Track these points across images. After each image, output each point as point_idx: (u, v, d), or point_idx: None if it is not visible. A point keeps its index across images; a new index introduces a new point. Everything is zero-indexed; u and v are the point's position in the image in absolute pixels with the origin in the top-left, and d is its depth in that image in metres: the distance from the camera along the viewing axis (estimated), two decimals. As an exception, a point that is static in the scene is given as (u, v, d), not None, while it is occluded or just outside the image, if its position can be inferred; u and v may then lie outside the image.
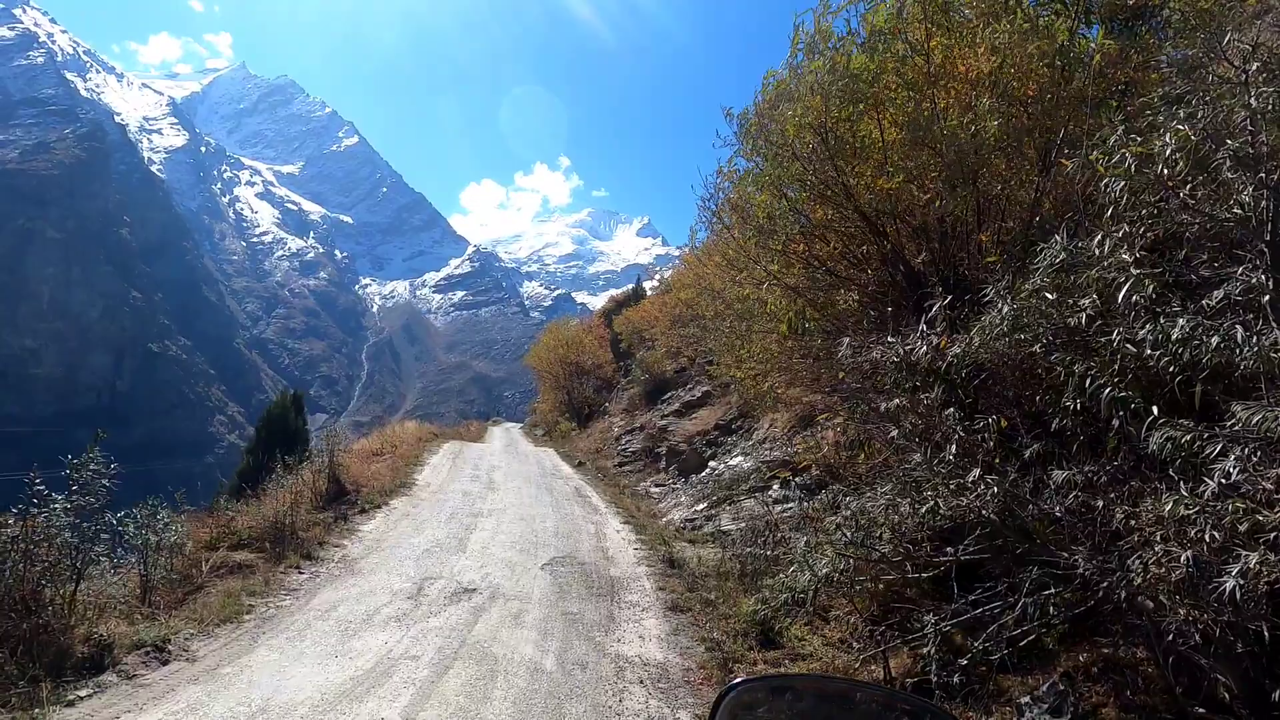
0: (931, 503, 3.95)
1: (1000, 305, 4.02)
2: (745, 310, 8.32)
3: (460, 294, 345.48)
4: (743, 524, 9.47)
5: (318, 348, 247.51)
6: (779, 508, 9.36)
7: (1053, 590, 3.64)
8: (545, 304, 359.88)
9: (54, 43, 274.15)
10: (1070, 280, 3.86)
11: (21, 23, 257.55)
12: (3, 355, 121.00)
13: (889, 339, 4.66)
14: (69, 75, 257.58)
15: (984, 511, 3.71)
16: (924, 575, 4.53)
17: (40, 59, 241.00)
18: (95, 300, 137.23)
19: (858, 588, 4.96)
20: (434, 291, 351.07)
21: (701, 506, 12.01)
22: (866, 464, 6.30)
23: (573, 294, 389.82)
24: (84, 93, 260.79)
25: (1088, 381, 3.44)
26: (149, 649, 5.45)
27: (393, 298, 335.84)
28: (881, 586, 5.05)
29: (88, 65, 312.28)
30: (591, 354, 35.12)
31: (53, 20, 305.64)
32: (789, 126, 6.87)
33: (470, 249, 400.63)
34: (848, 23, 6.98)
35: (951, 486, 3.89)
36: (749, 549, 7.52)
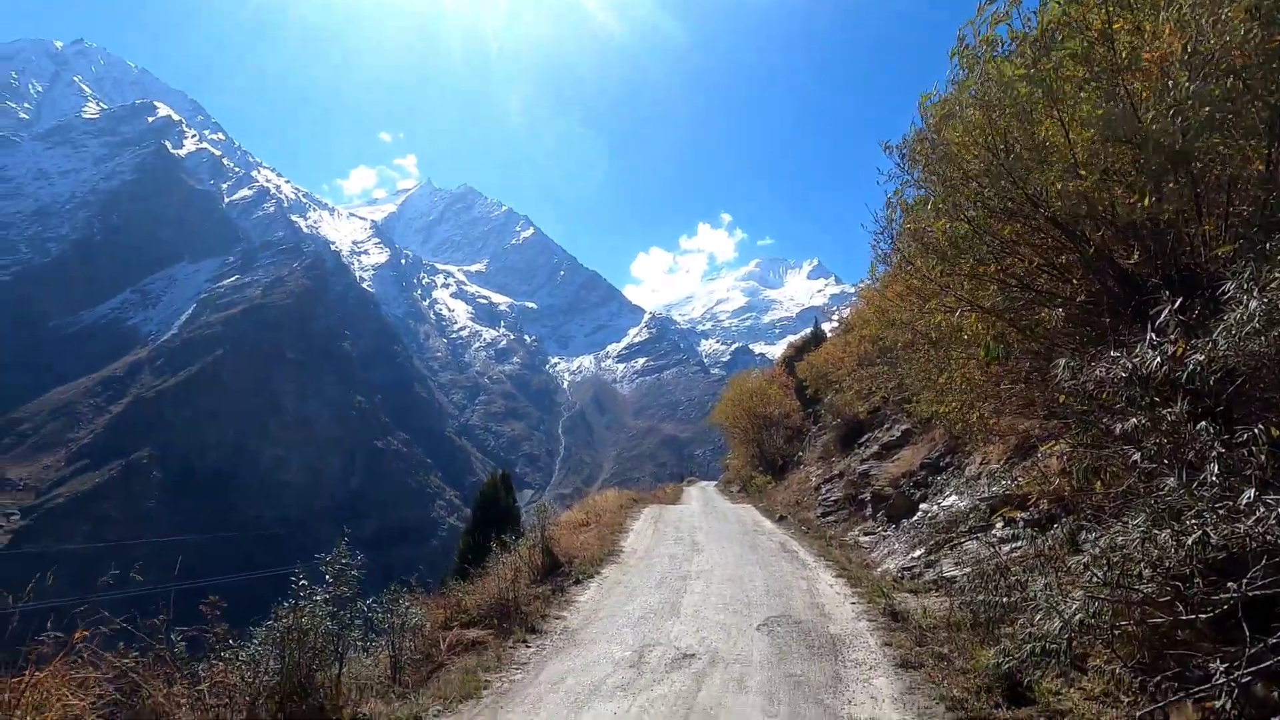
0: (1198, 532, 3.45)
1: (1245, 300, 3.53)
2: (939, 339, 7.89)
3: (642, 360, 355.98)
4: (968, 569, 8.76)
5: (518, 428, 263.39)
6: (1006, 548, 8.59)
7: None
8: (724, 359, 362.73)
9: (280, 192, 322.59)
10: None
11: (257, 181, 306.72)
12: (262, 463, 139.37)
13: (1112, 353, 4.21)
14: (293, 217, 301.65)
15: (1269, 538, 3.19)
16: (1200, 616, 3.94)
17: (271, 208, 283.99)
18: (327, 408, 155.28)
19: (1118, 633, 4.40)
20: (617, 361, 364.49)
21: (918, 553, 11.28)
22: (1104, 492, 5.65)
23: (750, 346, 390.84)
24: (305, 230, 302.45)
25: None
26: (405, 727, 5.90)
27: (580, 372, 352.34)
28: (1146, 630, 4.45)
29: (306, 206, 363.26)
30: (777, 403, 34.57)
31: (278, 173, 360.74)
32: (956, 147, 6.57)
33: (646, 316, 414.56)
34: (1010, 28, 6.63)
35: (1220, 512, 3.39)
36: (980, 596, 6.92)
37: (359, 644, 7.28)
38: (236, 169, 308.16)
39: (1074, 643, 4.46)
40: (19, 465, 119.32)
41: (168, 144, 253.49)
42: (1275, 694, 3.46)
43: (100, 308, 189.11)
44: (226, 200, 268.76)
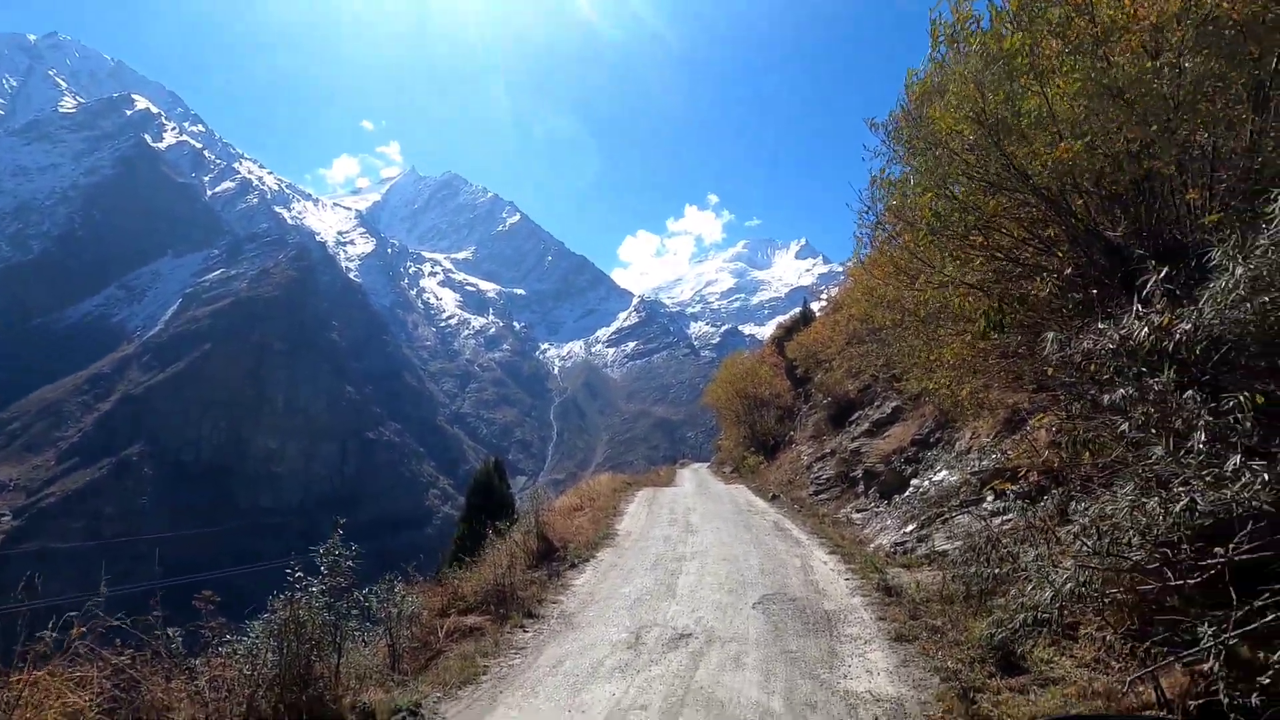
0: (1186, 499, 3.49)
1: (1231, 268, 3.55)
2: (928, 316, 7.91)
3: (632, 344, 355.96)
4: (959, 542, 8.86)
5: (510, 415, 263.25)
6: (997, 520, 8.67)
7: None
8: (713, 342, 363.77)
9: (263, 184, 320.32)
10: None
11: (239, 173, 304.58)
12: (255, 455, 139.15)
13: (1099, 325, 4.23)
14: (277, 209, 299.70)
15: (1254, 503, 3.23)
16: (1189, 581, 3.99)
17: (255, 200, 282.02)
18: (319, 398, 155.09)
19: (1108, 601, 4.45)
20: (607, 346, 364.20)
21: (910, 528, 11.38)
22: (1093, 463, 5.70)
23: (739, 327, 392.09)
24: (289, 221, 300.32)
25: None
26: (404, 714, 5.90)
27: (570, 358, 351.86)
28: (1135, 597, 4.50)
29: (290, 197, 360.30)
30: (768, 384, 34.67)
31: (260, 165, 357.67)
32: (941, 123, 6.55)
33: (635, 300, 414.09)
34: (991, 3, 6.61)
35: (1207, 479, 3.42)
36: (972, 569, 7.00)
37: (357, 634, 7.28)
38: (218, 161, 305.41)
39: (1065, 612, 4.52)
40: (8, 466, 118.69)
41: (147, 137, 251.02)
42: (1261, 655, 3.51)
43: (84, 304, 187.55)
44: (209, 193, 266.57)
